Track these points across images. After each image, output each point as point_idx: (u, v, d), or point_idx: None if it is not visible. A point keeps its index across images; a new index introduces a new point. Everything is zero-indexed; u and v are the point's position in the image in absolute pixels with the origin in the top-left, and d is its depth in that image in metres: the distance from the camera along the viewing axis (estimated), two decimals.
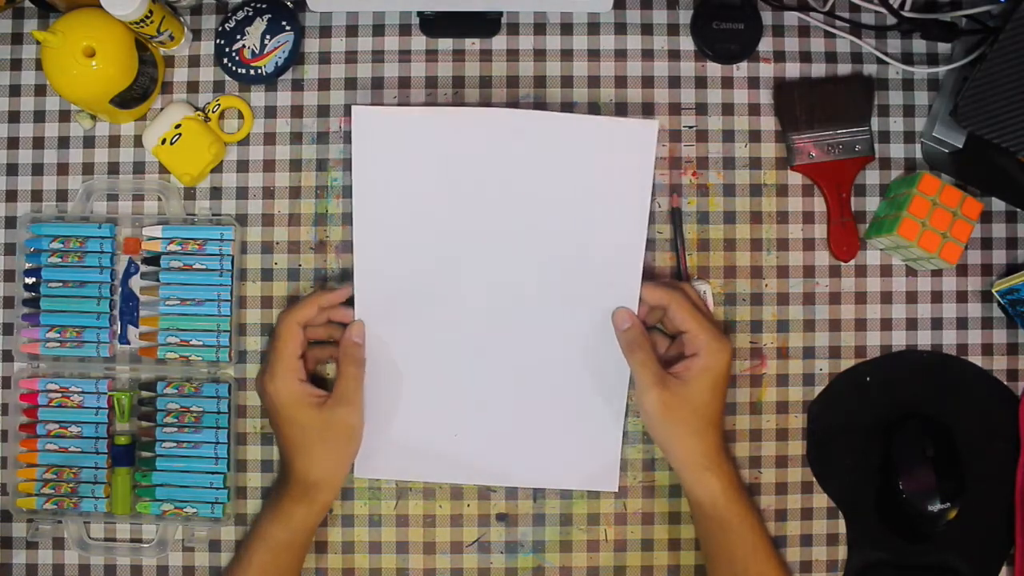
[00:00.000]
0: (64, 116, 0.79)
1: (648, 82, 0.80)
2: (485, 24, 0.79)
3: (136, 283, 0.79)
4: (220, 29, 0.79)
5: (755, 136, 0.80)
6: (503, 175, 0.76)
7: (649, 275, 0.78)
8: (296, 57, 0.79)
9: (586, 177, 0.76)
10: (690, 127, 0.80)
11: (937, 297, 0.80)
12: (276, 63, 0.78)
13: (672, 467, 0.75)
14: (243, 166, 0.80)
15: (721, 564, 0.74)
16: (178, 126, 0.78)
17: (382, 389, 0.77)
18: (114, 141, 0.79)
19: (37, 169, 0.79)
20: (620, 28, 0.80)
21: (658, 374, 0.72)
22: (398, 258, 0.77)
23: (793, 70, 0.80)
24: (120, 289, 0.79)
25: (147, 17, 0.72)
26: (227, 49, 0.79)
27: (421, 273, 0.77)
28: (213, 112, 0.79)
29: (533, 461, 0.78)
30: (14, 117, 0.80)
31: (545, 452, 0.78)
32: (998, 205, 0.80)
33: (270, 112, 0.80)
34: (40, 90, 0.80)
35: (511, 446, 0.78)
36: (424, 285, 0.77)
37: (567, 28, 0.80)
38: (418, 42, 0.80)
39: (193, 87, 0.80)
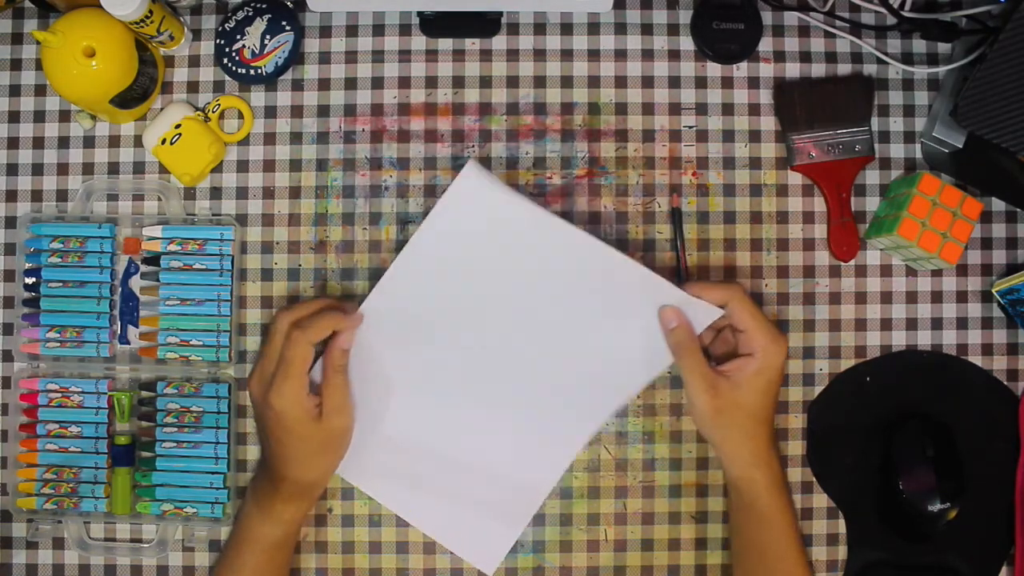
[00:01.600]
0: (64, 116, 0.80)
1: (648, 82, 0.80)
2: (485, 24, 0.79)
3: (136, 283, 0.79)
4: (220, 29, 0.79)
5: (755, 136, 0.80)
6: (549, 283, 0.75)
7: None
8: (296, 57, 0.79)
9: (629, 318, 0.75)
10: (690, 127, 0.80)
11: (937, 297, 0.80)
12: (276, 63, 0.78)
13: (720, 461, 0.74)
14: (243, 166, 0.80)
15: (751, 556, 0.74)
16: (178, 126, 0.78)
17: (371, 400, 0.76)
18: (114, 141, 0.80)
19: (37, 169, 0.80)
20: (620, 28, 0.80)
21: (708, 378, 0.70)
22: (415, 302, 0.76)
23: (793, 70, 0.80)
24: (120, 289, 0.79)
25: (147, 17, 0.72)
26: (227, 49, 0.79)
27: (431, 320, 0.76)
28: (213, 112, 0.79)
29: (445, 509, 0.78)
30: (14, 117, 0.80)
31: (457, 507, 0.78)
32: (998, 205, 0.80)
33: (270, 112, 0.80)
34: (40, 90, 0.80)
35: (440, 488, 0.78)
36: (432, 327, 0.77)
37: (567, 28, 0.80)
38: (418, 42, 0.80)
39: (193, 87, 0.80)
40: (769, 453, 0.72)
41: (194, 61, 0.80)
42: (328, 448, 0.73)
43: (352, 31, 0.80)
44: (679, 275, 0.79)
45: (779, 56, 0.80)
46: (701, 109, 0.80)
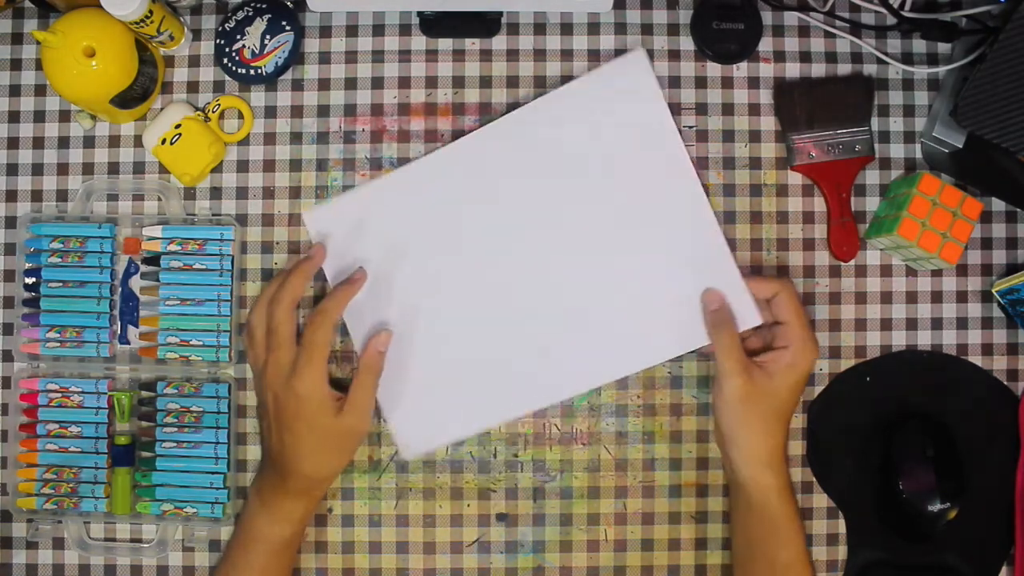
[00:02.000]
0: (64, 116, 0.80)
1: None
2: (485, 24, 0.79)
3: (136, 283, 0.79)
4: (220, 29, 0.79)
5: (755, 136, 0.80)
6: (630, 207, 0.76)
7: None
8: (296, 57, 0.79)
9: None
10: (690, 127, 0.80)
11: (937, 297, 0.80)
12: (276, 63, 0.78)
13: (730, 458, 0.73)
14: (243, 166, 0.80)
15: (756, 561, 0.73)
16: (178, 126, 0.78)
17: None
18: (114, 141, 0.80)
19: (37, 169, 0.80)
20: (620, 28, 0.80)
21: (743, 362, 0.71)
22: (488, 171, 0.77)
23: (793, 70, 0.80)
24: (120, 289, 0.79)
25: (147, 17, 0.72)
26: (227, 49, 0.79)
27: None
28: (213, 112, 0.79)
29: (409, 381, 0.76)
30: (14, 117, 0.80)
31: (420, 385, 0.76)
32: (998, 205, 0.80)
33: (270, 112, 0.80)
34: (40, 90, 0.80)
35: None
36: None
37: (567, 28, 0.80)
38: (418, 42, 0.80)
39: (193, 87, 0.80)
40: (782, 457, 0.72)
41: (194, 61, 0.80)
42: (340, 446, 0.73)
43: (352, 31, 0.80)
44: None
45: (779, 56, 0.80)
46: (701, 109, 0.80)
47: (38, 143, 0.80)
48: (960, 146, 0.76)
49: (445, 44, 0.80)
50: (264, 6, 0.79)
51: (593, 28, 0.80)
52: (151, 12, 0.72)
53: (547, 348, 0.76)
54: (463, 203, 0.77)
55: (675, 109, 0.80)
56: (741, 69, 0.80)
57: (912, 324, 0.80)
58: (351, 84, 0.80)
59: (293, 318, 0.72)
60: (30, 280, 0.78)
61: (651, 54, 0.80)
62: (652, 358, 0.77)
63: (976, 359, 0.80)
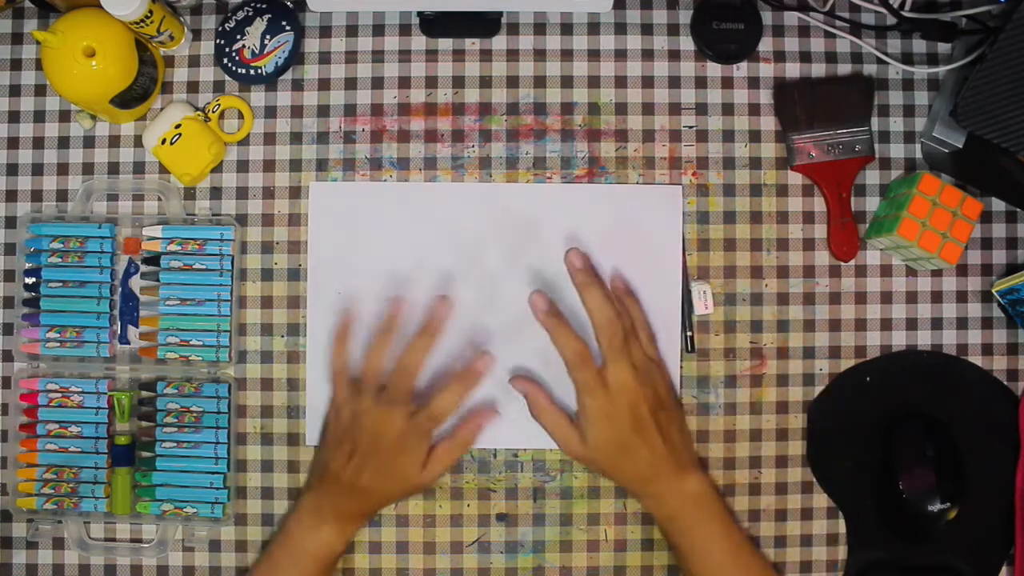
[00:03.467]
0: (64, 116, 0.80)
1: (648, 82, 0.80)
2: (485, 24, 0.79)
3: (136, 283, 0.79)
4: (220, 29, 0.79)
5: (755, 136, 0.80)
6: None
7: None
8: (296, 57, 0.79)
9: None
10: (690, 127, 0.80)
11: (937, 297, 0.80)
12: (276, 63, 0.78)
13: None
14: (243, 166, 0.80)
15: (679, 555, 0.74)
16: (178, 126, 0.78)
17: None
18: (114, 141, 0.80)
19: (37, 169, 0.80)
20: (620, 28, 0.80)
21: (563, 428, 0.73)
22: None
23: (793, 70, 0.80)
24: (120, 289, 0.79)
25: (147, 17, 0.72)
26: (227, 49, 0.79)
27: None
28: (213, 112, 0.79)
29: None
30: (14, 117, 0.80)
31: None
32: (998, 205, 0.80)
33: (270, 112, 0.80)
34: (40, 90, 0.80)
35: None
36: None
37: (567, 28, 0.80)
38: (418, 42, 0.80)
39: (193, 87, 0.80)
40: (648, 485, 0.72)
41: (194, 61, 0.80)
42: (409, 491, 0.76)
43: (352, 31, 0.80)
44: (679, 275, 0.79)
45: (779, 56, 0.80)
46: (701, 109, 0.80)
47: (38, 143, 0.80)
48: (960, 146, 0.76)
49: (445, 44, 0.80)
50: (264, 6, 0.79)
51: (593, 28, 0.80)
52: (151, 12, 0.72)
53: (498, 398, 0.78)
54: (464, 237, 0.78)
55: (675, 109, 0.80)
56: (741, 69, 0.80)
57: (912, 324, 0.80)
58: (351, 84, 0.80)
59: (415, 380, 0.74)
60: (30, 280, 0.78)
61: (651, 54, 0.80)
62: None
63: (976, 359, 0.80)
